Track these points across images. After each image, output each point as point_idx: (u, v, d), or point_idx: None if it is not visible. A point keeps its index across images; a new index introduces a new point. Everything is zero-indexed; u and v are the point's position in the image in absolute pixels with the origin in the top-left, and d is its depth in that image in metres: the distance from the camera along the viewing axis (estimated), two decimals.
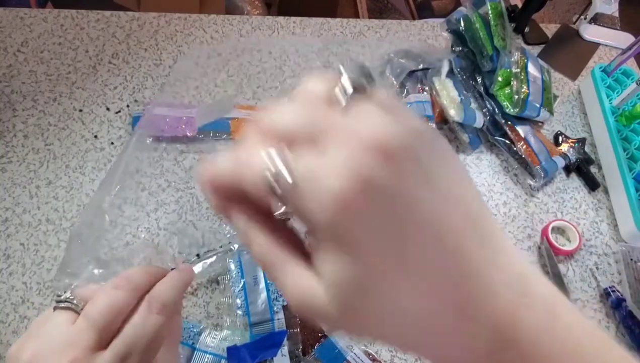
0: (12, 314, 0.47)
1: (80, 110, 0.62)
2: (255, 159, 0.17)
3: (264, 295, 0.47)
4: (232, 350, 0.44)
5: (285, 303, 0.47)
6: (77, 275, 0.48)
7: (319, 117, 0.17)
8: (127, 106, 0.62)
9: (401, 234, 0.16)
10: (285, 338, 0.45)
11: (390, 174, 0.15)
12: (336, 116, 0.17)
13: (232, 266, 0.49)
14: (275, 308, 0.47)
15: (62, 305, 0.28)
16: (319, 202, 0.16)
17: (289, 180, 0.16)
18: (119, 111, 0.62)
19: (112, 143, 0.59)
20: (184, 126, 0.59)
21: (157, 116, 0.60)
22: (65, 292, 0.28)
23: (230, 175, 0.19)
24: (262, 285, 0.48)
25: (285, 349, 0.44)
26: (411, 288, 0.16)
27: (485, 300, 0.17)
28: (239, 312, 0.47)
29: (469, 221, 0.17)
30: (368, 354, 0.47)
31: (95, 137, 0.59)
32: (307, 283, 0.17)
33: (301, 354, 0.46)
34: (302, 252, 0.19)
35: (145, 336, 0.27)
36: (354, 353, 0.47)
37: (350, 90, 0.17)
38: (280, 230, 0.19)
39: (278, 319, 0.46)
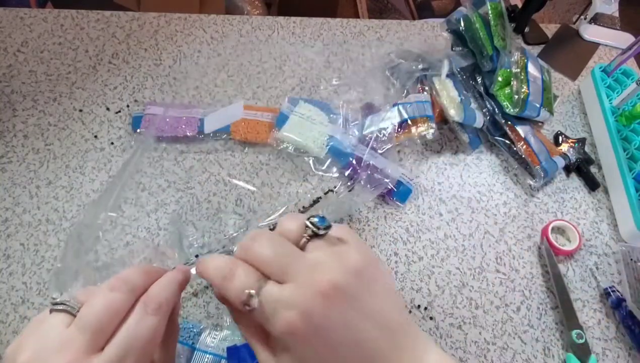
0: (12, 314, 0.47)
1: (80, 110, 0.62)
2: (238, 280, 0.26)
3: None
4: (232, 350, 0.44)
5: None
6: (70, 283, 0.48)
7: (286, 257, 0.26)
8: (127, 106, 0.62)
9: (330, 350, 0.25)
10: None
11: (325, 309, 0.24)
12: (298, 256, 0.26)
13: None
14: None
15: (58, 307, 0.28)
16: (273, 322, 0.25)
17: (255, 304, 0.25)
18: (119, 111, 0.62)
19: (112, 143, 0.59)
20: (184, 126, 0.59)
21: (157, 116, 0.60)
22: (61, 294, 0.28)
23: (217, 281, 0.27)
24: None
25: None
26: None
27: None
28: None
29: (387, 332, 0.26)
30: None
31: (95, 137, 0.60)
32: (270, 359, 0.27)
33: None
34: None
35: (140, 338, 0.27)
36: None
37: (309, 236, 0.27)
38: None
39: None
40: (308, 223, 0.27)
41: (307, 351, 0.25)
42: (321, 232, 0.27)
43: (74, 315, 0.27)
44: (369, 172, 0.56)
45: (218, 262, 0.27)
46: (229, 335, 0.47)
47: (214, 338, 0.46)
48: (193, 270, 0.48)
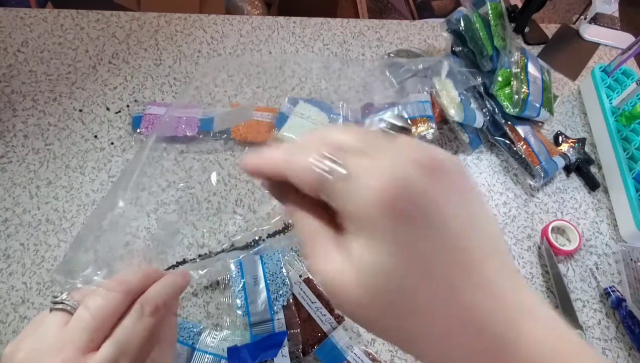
0: (12, 314, 0.47)
1: (80, 110, 0.62)
2: (309, 153, 0.20)
3: (264, 295, 0.47)
4: (233, 351, 0.44)
5: (285, 304, 0.47)
6: (76, 274, 0.48)
7: (371, 138, 0.20)
8: (127, 106, 0.62)
9: (430, 240, 0.18)
10: (286, 339, 0.45)
11: (429, 185, 0.18)
12: (384, 138, 0.21)
13: (232, 266, 0.49)
14: (275, 308, 0.46)
15: (58, 306, 0.28)
16: (363, 195, 0.18)
17: (342, 171, 0.19)
18: (119, 111, 0.62)
19: (112, 143, 0.59)
20: (184, 126, 0.59)
21: (157, 116, 0.60)
22: (61, 294, 0.28)
23: (279, 163, 0.21)
24: (262, 285, 0.47)
25: (285, 350, 0.44)
26: (435, 288, 0.18)
27: (494, 309, 0.18)
28: (239, 312, 0.47)
29: (489, 243, 0.19)
30: (368, 354, 0.47)
31: (95, 137, 0.60)
32: (338, 265, 0.19)
33: (301, 354, 0.46)
34: (333, 227, 0.21)
35: (136, 338, 0.27)
36: (354, 353, 0.47)
37: (396, 125, 0.23)
38: (315, 207, 0.21)
39: (278, 319, 0.46)
40: (392, 118, 0.24)
41: (400, 232, 0.18)
42: (406, 125, 0.24)
43: (72, 315, 0.27)
44: None
45: (276, 148, 0.22)
46: (229, 335, 0.47)
47: (214, 338, 0.46)
48: (193, 274, 0.48)
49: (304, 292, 0.49)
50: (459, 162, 0.21)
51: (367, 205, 0.18)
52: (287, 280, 0.48)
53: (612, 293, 0.53)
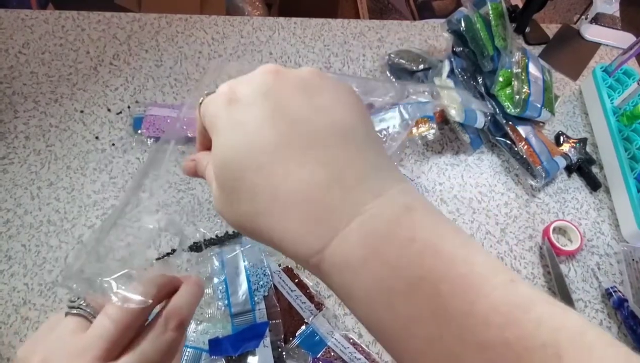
0: (14, 315, 0.47)
1: (82, 112, 0.62)
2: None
3: (245, 286, 0.47)
4: (214, 342, 0.44)
5: (266, 294, 0.47)
6: (92, 282, 0.47)
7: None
8: (128, 107, 0.62)
9: (270, 124, 0.20)
10: (267, 330, 0.45)
11: (275, 83, 0.22)
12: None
13: (214, 258, 0.48)
14: (256, 299, 0.46)
15: (75, 311, 0.28)
16: (217, 96, 0.24)
17: (200, 99, 0.26)
18: (120, 112, 0.62)
19: (113, 144, 0.59)
20: (184, 127, 0.59)
21: (158, 117, 0.60)
22: (78, 298, 0.28)
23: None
24: (243, 276, 0.47)
25: (267, 340, 0.44)
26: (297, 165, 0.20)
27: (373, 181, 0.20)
28: (220, 303, 0.46)
29: (338, 130, 0.21)
30: (348, 339, 0.48)
31: (97, 138, 0.60)
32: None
33: (283, 344, 0.46)
34: None
35: (158, 352, 0.27)
36: (335, 339, 0.47)
37: None
38: None
39: (259, 309, 0.46)
40: None
41: (248, 117, 0.21)
42: None
43: (89, 320, 0.27)
44: None
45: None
46: (210, 328, 0.46)
47: (194, 332, 0.46)
48: (179, 262, 0.48)
49: (283, 281, 0.49)
50: (328, 78, 0.23)
51: (217, 105, 0.23)
52: (267, 271, 0.48)
53: (613, 293, 0.53)
